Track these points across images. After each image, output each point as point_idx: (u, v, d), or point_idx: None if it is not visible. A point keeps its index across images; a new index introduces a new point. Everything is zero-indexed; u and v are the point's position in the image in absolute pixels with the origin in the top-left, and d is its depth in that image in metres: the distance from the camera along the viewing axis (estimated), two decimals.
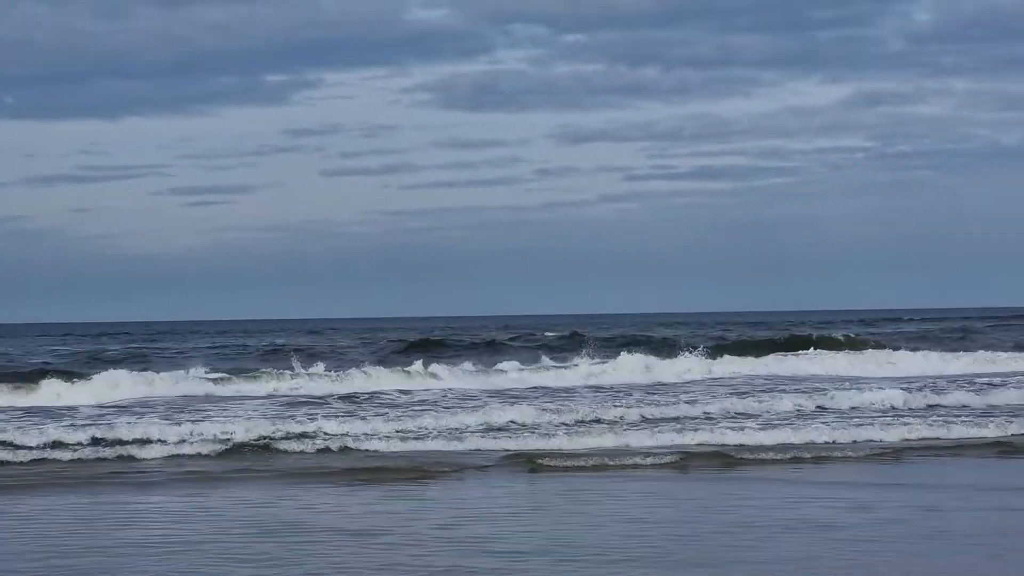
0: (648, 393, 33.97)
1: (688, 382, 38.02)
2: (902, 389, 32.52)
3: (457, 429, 26.33)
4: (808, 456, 23.01)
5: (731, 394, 32.86)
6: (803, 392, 33.07)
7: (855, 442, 24.85)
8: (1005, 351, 48.79)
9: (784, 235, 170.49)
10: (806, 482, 20.19)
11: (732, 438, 24.90)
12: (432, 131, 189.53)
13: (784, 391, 33.61)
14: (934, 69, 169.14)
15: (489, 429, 26.40)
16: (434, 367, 38.99)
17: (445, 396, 33.09)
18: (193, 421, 26.84)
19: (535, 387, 36.12)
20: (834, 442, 24.77)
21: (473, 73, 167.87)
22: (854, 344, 52.83)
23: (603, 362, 41.68)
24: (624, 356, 41.54)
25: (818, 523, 15.86)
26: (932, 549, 14.17)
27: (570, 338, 61.09)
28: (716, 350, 48.24)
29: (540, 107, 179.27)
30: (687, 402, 30.78)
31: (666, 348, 50.04)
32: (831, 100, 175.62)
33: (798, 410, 29.79)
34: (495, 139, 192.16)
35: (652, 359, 41.71)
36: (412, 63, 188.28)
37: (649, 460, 22.40)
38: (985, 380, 37.39)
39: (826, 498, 18.10)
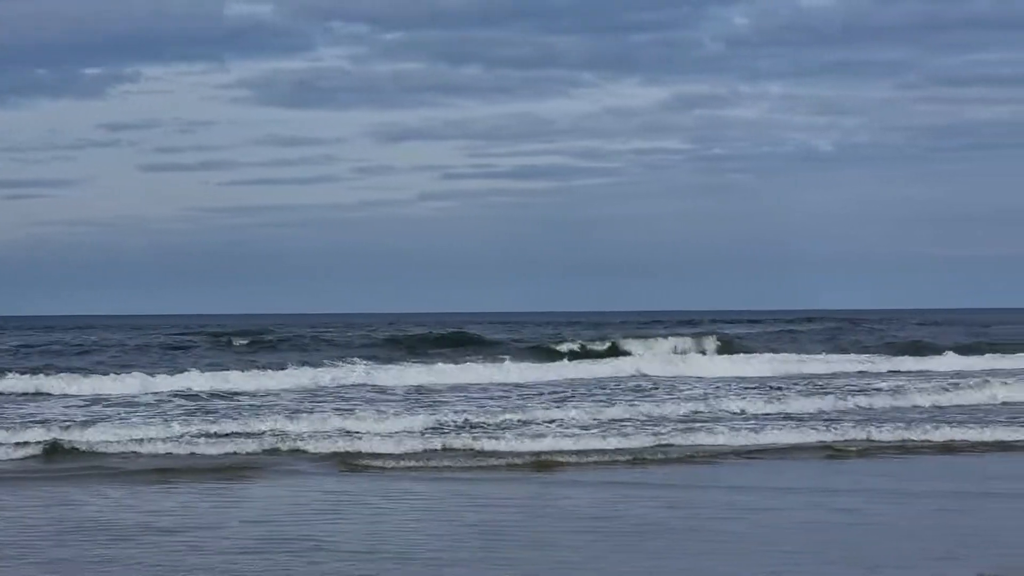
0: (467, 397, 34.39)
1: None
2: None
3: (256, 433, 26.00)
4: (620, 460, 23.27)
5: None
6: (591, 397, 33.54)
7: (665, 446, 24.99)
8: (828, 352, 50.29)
9: (602, 235, 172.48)
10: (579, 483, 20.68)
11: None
12: (250, 128, 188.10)
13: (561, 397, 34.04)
14: (750, 73, 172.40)
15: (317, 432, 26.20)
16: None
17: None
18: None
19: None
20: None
21: (293, 70, 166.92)
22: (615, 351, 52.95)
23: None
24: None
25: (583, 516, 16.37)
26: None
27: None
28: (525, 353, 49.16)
29: (360, 105, 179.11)
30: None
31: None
32: (649, 102, 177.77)
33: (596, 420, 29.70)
34: (314, 137, 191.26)
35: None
36: (231, 59, 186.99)
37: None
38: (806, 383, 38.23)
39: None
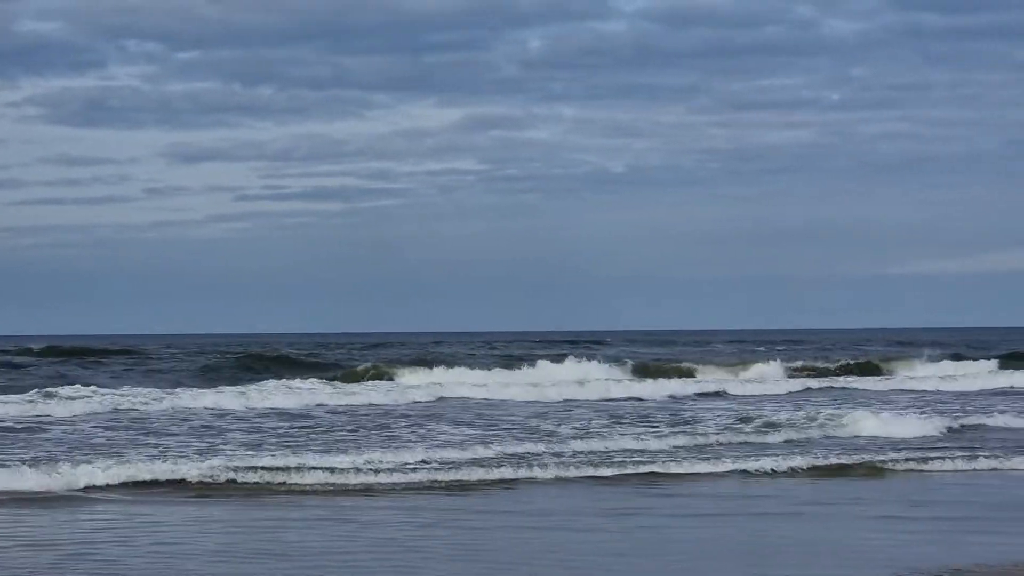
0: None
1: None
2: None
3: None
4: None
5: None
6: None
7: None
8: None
9: (394, 256, 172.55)
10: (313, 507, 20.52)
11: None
12: (40, 146, 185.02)
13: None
14: (545, 95, 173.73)
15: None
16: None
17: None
18: None
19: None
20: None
21: (84, 88, 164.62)
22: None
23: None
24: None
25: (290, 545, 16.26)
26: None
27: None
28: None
29: (152, 125, 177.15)
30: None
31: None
32: (444, 123, 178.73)
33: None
34: (105, 156, 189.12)
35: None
36: (20, 76, 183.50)
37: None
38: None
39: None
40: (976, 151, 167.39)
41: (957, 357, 64.26)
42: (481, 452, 25.45)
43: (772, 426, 30.17)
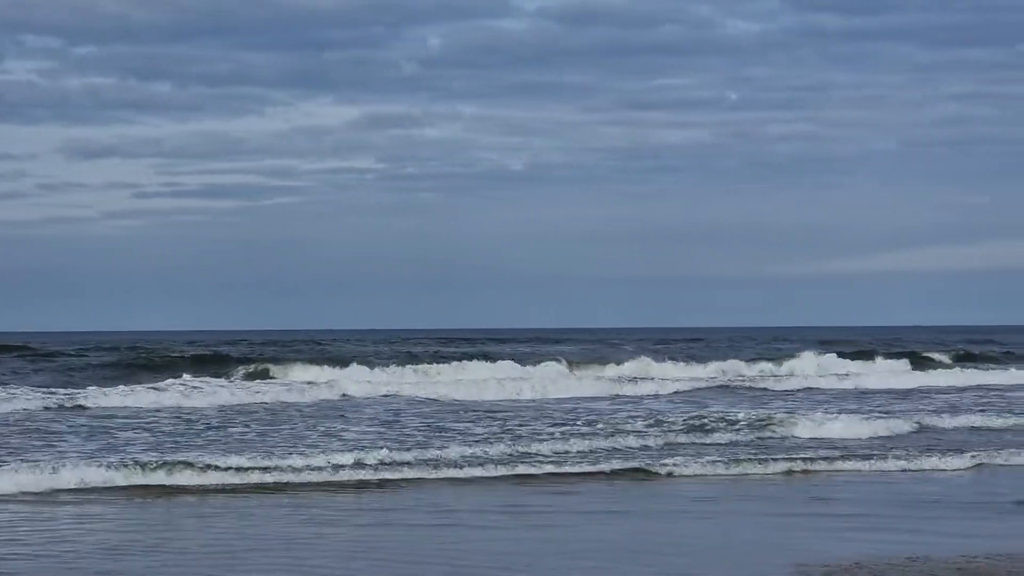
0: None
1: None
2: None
3: None
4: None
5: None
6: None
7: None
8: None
9: (292, 254, 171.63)
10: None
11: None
12: None
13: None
14: (444, 93, 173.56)
15: None
16: None
17: None
18: None
19: None
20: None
21: None
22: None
23: None
24: None
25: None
26: None
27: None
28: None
29: (49, 120, 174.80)
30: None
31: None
32: (342, 121, 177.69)
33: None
34: (2, 152, 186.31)
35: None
36: None
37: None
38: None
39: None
40: (873, 152, 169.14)
41: (860, 356, 64.02)
42: (382, 452, 25.08)
43: (699, 428, 29.81)
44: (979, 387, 47.67)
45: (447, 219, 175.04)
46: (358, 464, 23.63)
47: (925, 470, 24.59)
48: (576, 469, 23.89)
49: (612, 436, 27.96)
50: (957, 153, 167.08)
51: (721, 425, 30.14)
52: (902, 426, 30.99)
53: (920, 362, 61.98)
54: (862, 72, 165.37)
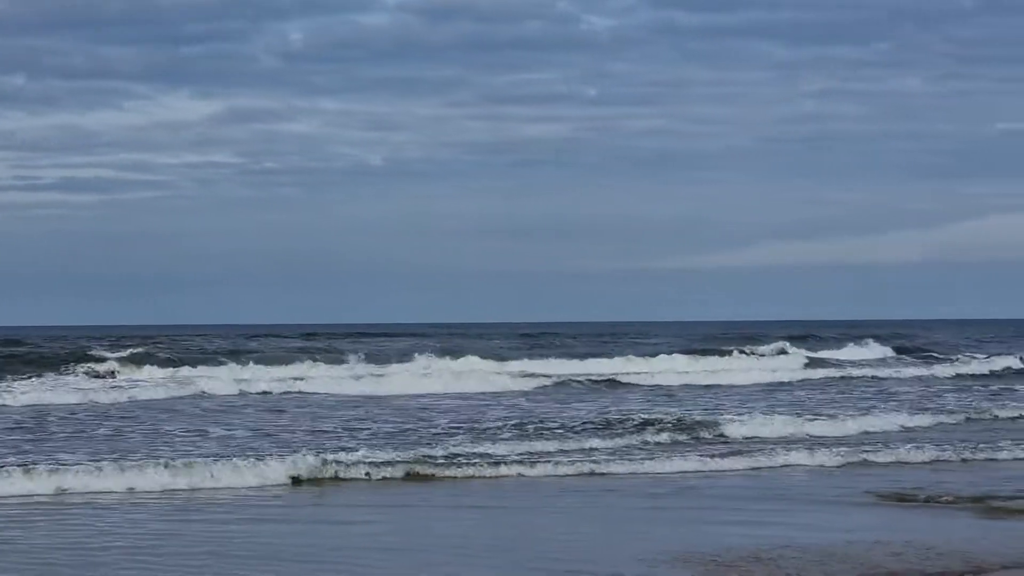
0: None
1: None
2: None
3: None
4: None
5: None
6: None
7: None
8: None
9: (152, 249, 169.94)
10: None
11: None
12: None
13: None
14: (305, 88, 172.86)
15: None
16: None
17: None
18: None
19: None
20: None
21: None
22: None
23: None
24: None
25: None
26: None
27: None
28: None
29: None
30: None
31: None
32: (201, 115, 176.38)
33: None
34: None
35: None
36: None
37: None
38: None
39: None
40: (733, 148, 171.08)
41: (709, 352, 64.09)
42: (249, 449, 24.95)
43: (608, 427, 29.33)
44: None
45: (308, 214, 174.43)
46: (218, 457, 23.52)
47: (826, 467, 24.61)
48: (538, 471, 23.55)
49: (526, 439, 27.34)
50: (816, 149, 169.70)
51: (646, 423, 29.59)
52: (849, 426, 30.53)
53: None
54: (720, 69, 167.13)
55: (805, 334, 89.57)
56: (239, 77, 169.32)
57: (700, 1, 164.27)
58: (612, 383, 46.02)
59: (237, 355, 53.37)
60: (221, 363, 49.75)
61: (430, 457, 24.02)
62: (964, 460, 25.02)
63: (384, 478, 22.56)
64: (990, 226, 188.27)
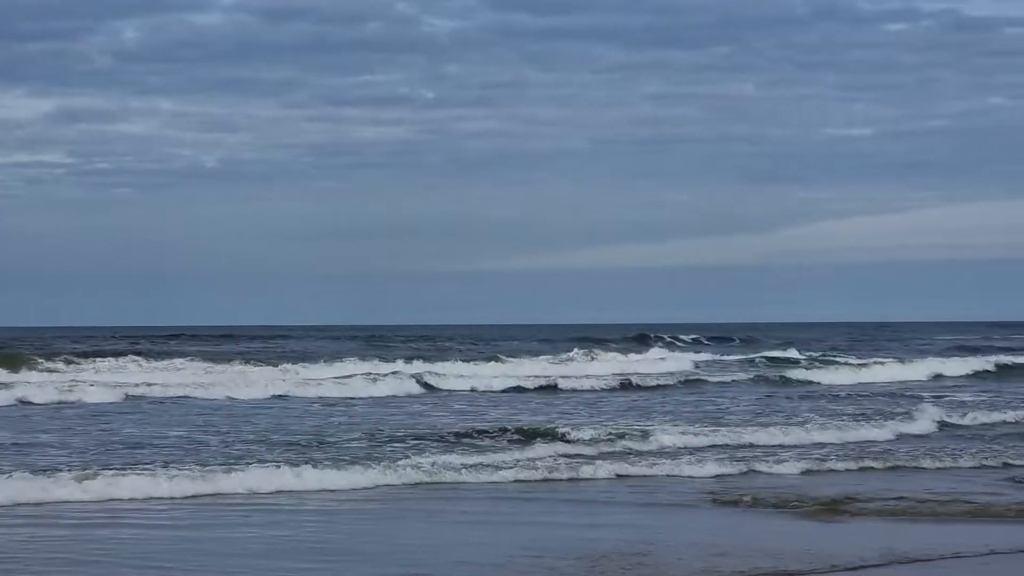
0: None
1: None
2: None
3: None
4: None
5: None
6: None
7: None
8: None
9: None
10: None
11: None
12: None
13: None
14: (141, 88, 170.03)
15: None
16: None
17: None
18: None
19: None
20: None
21: None
22: None
23: None
24: None
25: None
26: None
27: None
28: None
29: None
30: None
31: None
32: (37, 114, 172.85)
33: None
34: None
35: None
36: None
37: None
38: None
39: None
40: (568, 150, 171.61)
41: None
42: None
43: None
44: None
45: (142, 216, 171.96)
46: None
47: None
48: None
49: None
50: (652, 152, 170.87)
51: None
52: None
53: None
54: (557, 71, 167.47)
55: (637, 335, 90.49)
56: (74, 76, 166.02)
57: (540, 4, 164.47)
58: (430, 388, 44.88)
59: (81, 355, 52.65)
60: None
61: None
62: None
63: None
64: (822, 230, 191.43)
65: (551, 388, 45.67)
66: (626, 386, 46.43)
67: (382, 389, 43.02)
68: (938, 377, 54.49)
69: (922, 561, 15.22)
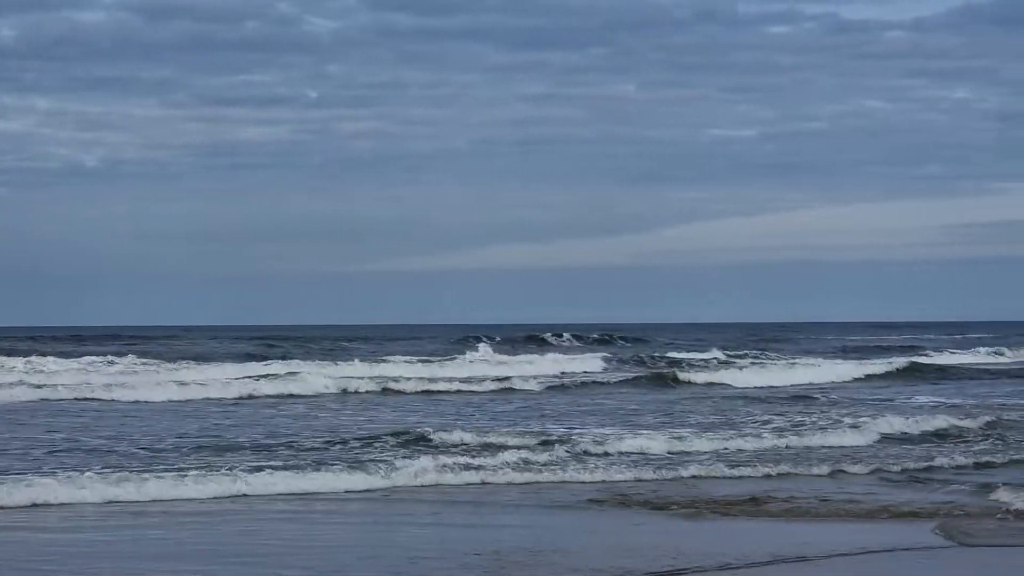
0: None
1: None
2: None
3: None
4: None
5: None
6: None
7: None
8: None
9: None
10: None
11: None
12: None
13: None
14: (16, 86, 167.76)
15: None
16: None
17: None
18: None
19: None
20: None
21: None
22: None
23: None
24: None
25: None
26: None
27: None
28: None
29: None
30: None
31: None
32: None
33: None
34: None
35: None
36: None
37: None
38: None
39: None
40: (449, 150, 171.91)
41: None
42: None
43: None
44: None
45: (17, 215, 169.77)
46: None
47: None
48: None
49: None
50: (532, 153, 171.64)
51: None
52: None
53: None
54: (437, 71, 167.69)
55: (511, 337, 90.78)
56: None
57: (419, 4, 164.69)
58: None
59: None
60: None
61: None
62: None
63: None
64: (702, 230, 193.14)
65: (433, 391, 45.21)
66: (508, 390, 46.23)
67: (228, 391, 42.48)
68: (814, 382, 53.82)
69: (807, 560, 15.62)
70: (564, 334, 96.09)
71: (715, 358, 65.47)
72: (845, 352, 77.44)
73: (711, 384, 50.55)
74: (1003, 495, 20.10)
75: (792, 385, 50.83)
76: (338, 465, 23.13)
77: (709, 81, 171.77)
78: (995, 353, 79.39)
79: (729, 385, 50.19)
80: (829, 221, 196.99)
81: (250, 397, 41.68)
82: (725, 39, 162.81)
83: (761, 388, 48.96)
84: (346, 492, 21.44)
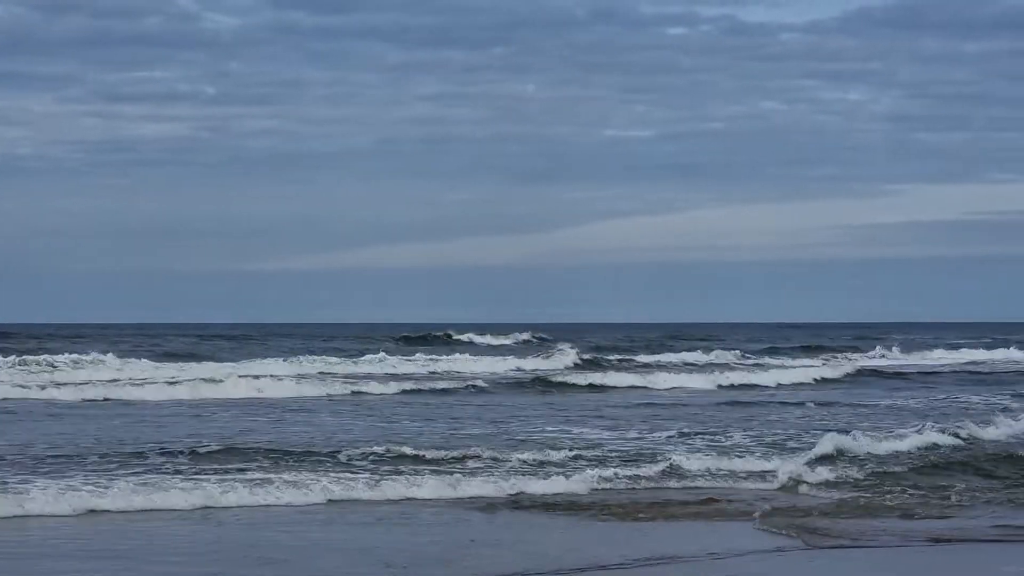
0: None
1: None
2: None
3: None
4: None
5: None
6: None
7: None
8: None
9: None
10: None
11: None
12: None
13: None
14: None
15: None
16: None
17: None
18: None
19: None
20: None
21: None
22: None
23: None
24: None
25: None
26: None
27: None
28: None
29: None
30: None
31: None
32: None
33: None
34: None
35: None
36: None
37: None
38: None
39: None
40: (349, 149, 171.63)
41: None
42: None
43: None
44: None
45: None
46: None
47: None
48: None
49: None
50: (432, 152, 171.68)
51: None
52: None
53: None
54: (337, 70, 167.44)
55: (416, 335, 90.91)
56: None
57: (320, 3, 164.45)
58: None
59: None
60: None
61: None
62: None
63: None
64: (599, 230, 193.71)
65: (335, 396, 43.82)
66: (411, 391, 45.57)
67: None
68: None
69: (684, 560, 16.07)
70: (468, 335, 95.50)
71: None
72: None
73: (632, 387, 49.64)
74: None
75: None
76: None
77: (608, 81, 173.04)
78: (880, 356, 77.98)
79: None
80: (727, 221, 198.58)
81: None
82: (624, 40, 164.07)
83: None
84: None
